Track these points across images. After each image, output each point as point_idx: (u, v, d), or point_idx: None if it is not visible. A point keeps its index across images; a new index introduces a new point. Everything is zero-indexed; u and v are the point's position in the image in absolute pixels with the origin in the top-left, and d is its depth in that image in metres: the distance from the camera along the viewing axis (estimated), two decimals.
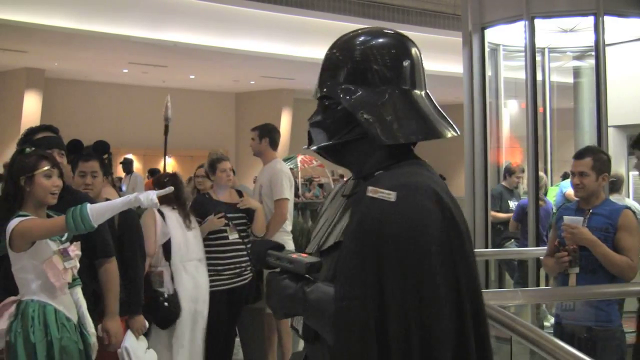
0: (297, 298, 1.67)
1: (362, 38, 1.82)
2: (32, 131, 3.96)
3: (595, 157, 4.10)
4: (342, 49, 1.82)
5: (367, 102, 1.74)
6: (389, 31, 1.86)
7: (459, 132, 1.82)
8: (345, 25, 16.71)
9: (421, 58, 1.84)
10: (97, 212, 3.24)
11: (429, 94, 1.83)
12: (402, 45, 1.82)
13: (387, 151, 1.77)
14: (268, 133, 5.89)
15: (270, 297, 1.75)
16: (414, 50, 1.83)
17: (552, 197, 7.93)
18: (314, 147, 1.84)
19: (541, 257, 6.44)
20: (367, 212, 1.62)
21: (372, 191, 1.63)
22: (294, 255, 1.73)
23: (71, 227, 3.19)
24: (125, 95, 23.20)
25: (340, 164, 1.86)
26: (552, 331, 4.31)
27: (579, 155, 4.16)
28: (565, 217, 4.06)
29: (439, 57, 19.28)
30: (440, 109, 1.82)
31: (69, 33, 15.20)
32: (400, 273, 1.55)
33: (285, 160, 18.20)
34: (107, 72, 21.00)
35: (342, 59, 1.80)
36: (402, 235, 1.56)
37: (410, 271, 1.55)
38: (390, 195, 1.60)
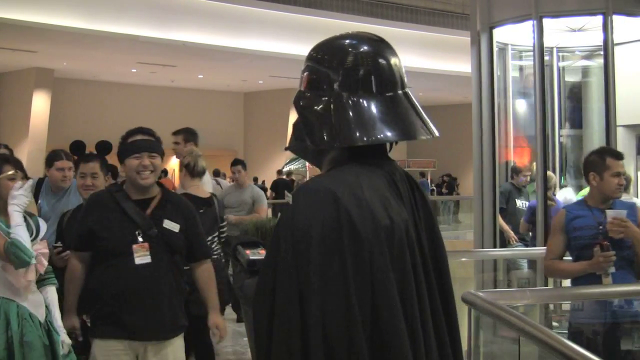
0: (241, 290, 1.87)
1: (320, 43, 1.85)
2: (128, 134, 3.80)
3: None
4: (306, 56, 1.85)
5: (308, 108, 1.79)
6: (352, 34, 1.85)
7: (416, 137, 1.79)
8: (354, 25, 16.79)
9: (387, 59, 1.79)
10: (25, 239, 3.37)
11: (401, 94, 1.79)
12: (353, 49, 1.79)
13: (339, 152, 1.79)
14: (192, 137, 6.04)
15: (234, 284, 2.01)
16: (375, 52, 1.79)
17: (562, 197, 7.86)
18: (285, 149, 1.94)
19: None
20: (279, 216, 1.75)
21: (287, 197, 1.73)
22: (247, 252, 1.92)
23: (12, 257, 3.31)
24: (134, 95, 23.26)
25: (312, 164, 1.92)
26: (561, 331, 4.29)
27: (620, 155, 4.15)
28: (609, 212, 3.99)
29: (447, 57, 19.25)
30: (417, 110, 1.79)
31: (78, 33, 15.25)
32: (282, 270, 1.63)
33: (293, 160, 18.23)
34: (116, 72, 21.06)
35: (303, 65, 1.85)
36: (287, 234, 1.64)
37: (290, 269, 1.62)
38: (291, 199, 1.70)
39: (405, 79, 1.81)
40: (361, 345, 1.58)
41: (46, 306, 3.52)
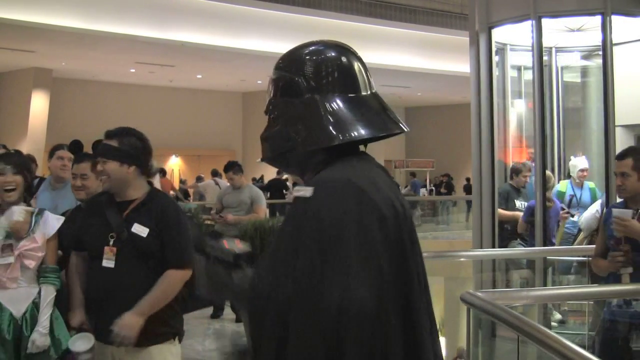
0: (225, 284, 1.86)
1: (287, 52, 1.92)
2: None
3: (636, 157, 4.02)
4: (274, 66, 1.92)
5: (283, 116, 1.85)
6: (319, 41, 1.92)
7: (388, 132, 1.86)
8: (352, 25, 16.71)
9: (355, 63, 1.87)
10: None
11: (369, 94, 1.87)
12: (319, 55, 1.87)
13: (325, 154, 1.84)
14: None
15: (199, 280, 1.96)
16: (340, 57, 1.87)
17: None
18: (259, 160, 1.97)
19: (548, 257, 6.48)
20: (290, 210, 1.79)
21: (295, 191, 1.74)
22: (227, 245, 1.91)
23: None
24: (133, 95, 23.24)
25: (287, 172, 1.96)
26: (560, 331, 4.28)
27: (621, 156, 4.11)
28: (614, 210, 4.00)
29: (446, 57, 19.25)
30: (386, 108, 1.87)
31: (77, 33, 15.24)
32: (312, 260, 1.63)
33: None
34: (114, 72, 21.04)
35: (272, 75, 1.91)
36: (312, 229, 1.66)
37: (323, 258, 1.63)
38: (307, 192, 1.70)
39: (372, 81, 1.89)
40: (395, 335, 1.66)
41: (35, 304, 3.52)
